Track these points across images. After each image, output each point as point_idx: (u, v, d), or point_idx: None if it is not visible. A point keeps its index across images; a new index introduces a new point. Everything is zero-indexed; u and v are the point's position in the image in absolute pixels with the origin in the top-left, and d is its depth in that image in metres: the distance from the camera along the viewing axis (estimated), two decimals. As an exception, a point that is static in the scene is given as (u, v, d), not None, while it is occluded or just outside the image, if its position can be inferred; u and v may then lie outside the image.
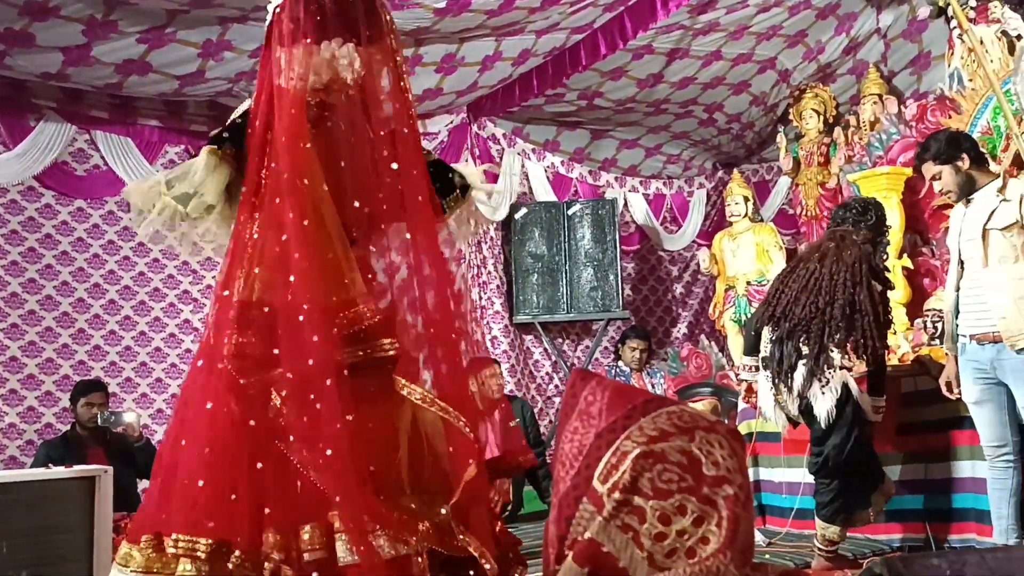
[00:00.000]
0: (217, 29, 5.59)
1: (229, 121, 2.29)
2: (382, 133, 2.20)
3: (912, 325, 5.62)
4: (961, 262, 3.75)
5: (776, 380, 4.03)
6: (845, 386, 3.93)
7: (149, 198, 2.20)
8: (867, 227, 4.11)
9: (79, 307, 6.28)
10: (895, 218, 5.89)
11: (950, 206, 5.81)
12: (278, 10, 2.25)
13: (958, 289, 3.75)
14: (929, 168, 3.79)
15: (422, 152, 2.27)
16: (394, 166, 2.14)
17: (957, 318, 3.76)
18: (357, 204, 2.15)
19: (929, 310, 5.50)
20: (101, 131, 6.37)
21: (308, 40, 2.17)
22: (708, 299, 8.32)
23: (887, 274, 4.07)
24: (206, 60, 5.79)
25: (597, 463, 1.61)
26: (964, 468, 4.24)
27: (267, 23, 2.30)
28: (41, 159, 6.12)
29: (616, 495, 1.58)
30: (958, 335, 3.77)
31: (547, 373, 7.87)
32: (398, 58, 2.28)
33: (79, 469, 3.11)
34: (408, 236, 2.15)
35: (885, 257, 4.16)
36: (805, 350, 3.93)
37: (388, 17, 2.32)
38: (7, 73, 5.72)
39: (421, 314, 2.13)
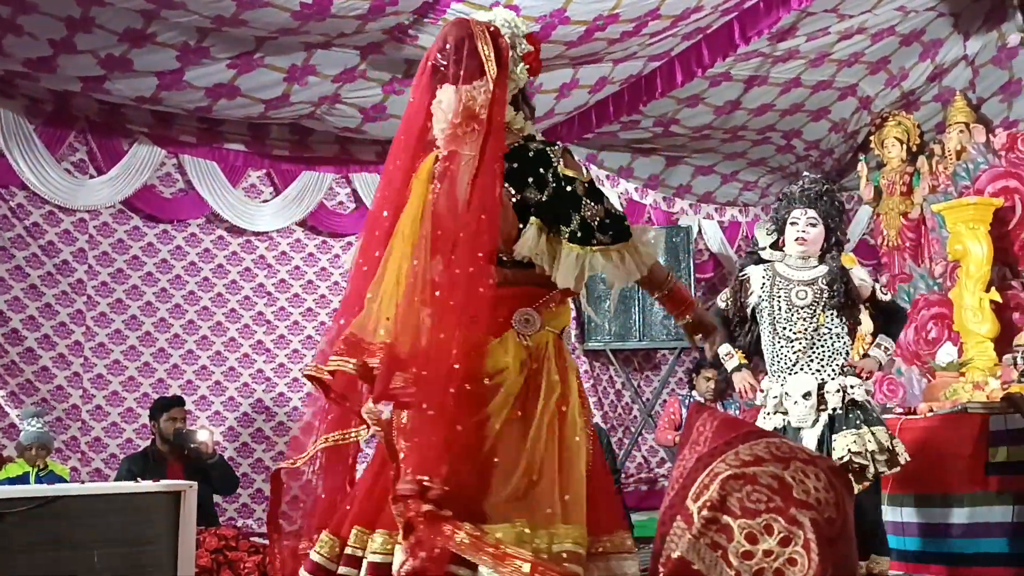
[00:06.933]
0: (303, 55, 5.75)
1: None
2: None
3: (1000, 361, 5.43)
4: None
5: None
6: None
7: None
8: None
9: (160, 327, 6.46)
10: (983, 250, 5.73)
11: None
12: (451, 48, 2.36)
13: None
14: None
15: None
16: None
17: None
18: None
19: (1019, 346, 5.30)
20: (188, 155, 6.57)
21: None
22: (784, 330, 8.16)
23: None
24: (291, 84, 5.95)
25: (692, 484, 1.62)
26: (1060, 510, 4.07)
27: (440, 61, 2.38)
28: (132, 182, 6.35)
29: (705, 512, 1.59)
30: None
31: (612, 401, 7.82)
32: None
33: (166, 484, 3.19)
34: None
35: None
36: None
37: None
38: (105, 98, 5.98)
39: None
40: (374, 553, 2.11)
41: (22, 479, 5.10)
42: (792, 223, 3.90)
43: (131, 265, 6.42)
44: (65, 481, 5.22)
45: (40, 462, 5.19)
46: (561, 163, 2.36)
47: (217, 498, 5.81)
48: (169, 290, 6.52)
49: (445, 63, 2.34)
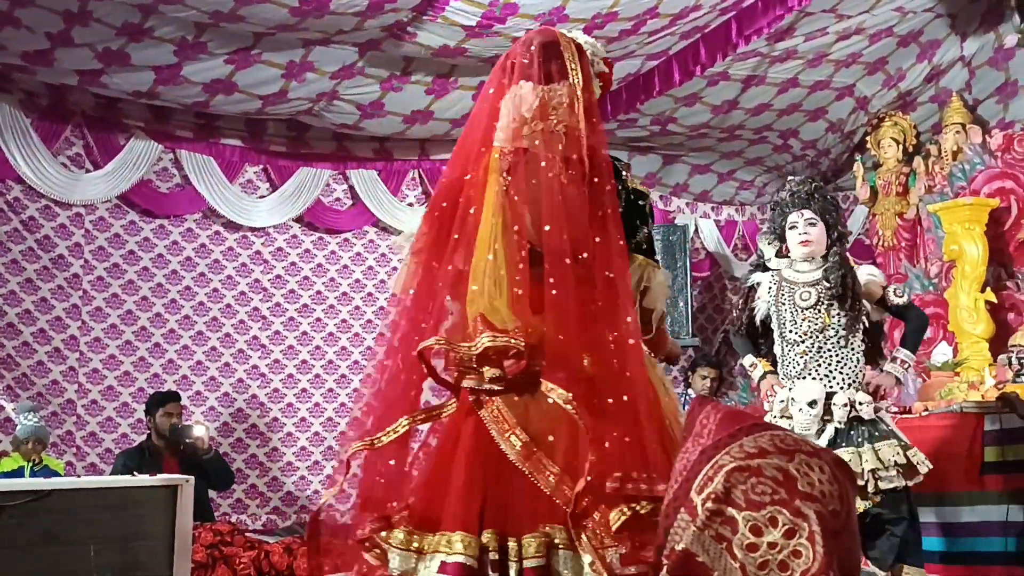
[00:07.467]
0: (300, 51, 5.75)
1: None
2: None
3: (996, 362, 5.45)
4: None
5: None
6: None
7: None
8: None
9: (156, 322, 6.44)
10: (978, 250, 5.75)
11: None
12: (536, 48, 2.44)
13: None
14: None
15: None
16: None
17: None
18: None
19: (1014, 346, 5.32)
20: (185, 150, 6.56)
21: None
22: (779, 329, 8.16)
23: None
24: (289, 80, 5.95)
25: (696, 476, 1.64)
26: (1054, 510, 4.09)
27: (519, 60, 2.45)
28: (129, 177, 6.32)
29: (709, 504, 1.62)
30: None
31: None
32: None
33: (163, 478, 3.16)
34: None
35: None
36: None
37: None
38: (102, 91, 5.96)
39: None
40: (530, 558, 2.10)
41: (17, 473, 5.08)
42: (791, 227, 3.85)
43: (127, 260, 6.40)
44: (60, 476, 5.20)
45: (35, 456, 5.18)
46: (630, 178, 2.54)
47: (211, 493, 5.81)
48: (165, 285, 6.50)
49: (527, 61, 2.41)
